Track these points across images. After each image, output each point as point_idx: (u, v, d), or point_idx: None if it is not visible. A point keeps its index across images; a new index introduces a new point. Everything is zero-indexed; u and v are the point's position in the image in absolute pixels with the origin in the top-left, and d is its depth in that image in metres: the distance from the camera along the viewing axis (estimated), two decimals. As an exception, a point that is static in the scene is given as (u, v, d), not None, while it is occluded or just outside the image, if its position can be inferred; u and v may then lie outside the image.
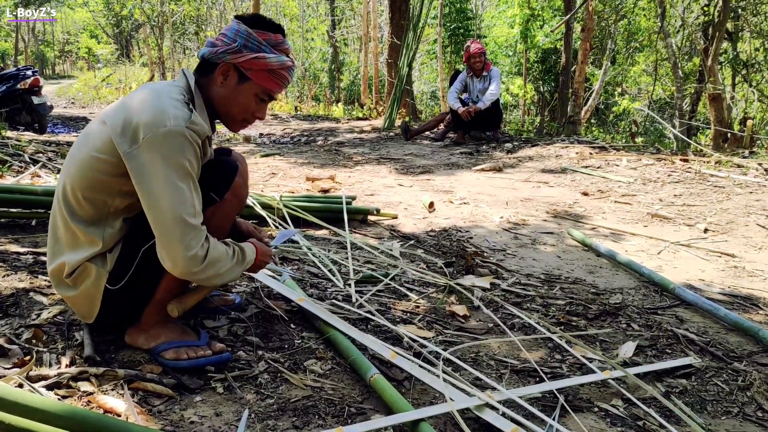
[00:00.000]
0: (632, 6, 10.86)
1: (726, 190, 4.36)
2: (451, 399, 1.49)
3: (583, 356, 1.87)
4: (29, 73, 8.27)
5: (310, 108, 13.41)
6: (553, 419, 1.50)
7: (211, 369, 1.60)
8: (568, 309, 2.29)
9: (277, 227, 2.98)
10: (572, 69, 9.08)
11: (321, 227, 3.11)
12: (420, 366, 1.66)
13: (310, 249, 2.68)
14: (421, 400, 1.58)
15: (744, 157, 5.53)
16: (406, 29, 8.94)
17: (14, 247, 2.41)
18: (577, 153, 6.04)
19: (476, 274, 2.59)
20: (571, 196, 4.42)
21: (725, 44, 9.15)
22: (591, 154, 5.97)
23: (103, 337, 1.69)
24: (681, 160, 5.46)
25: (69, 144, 5.81)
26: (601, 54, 12.10)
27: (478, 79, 7.09)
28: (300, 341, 1.83)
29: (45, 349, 1.61)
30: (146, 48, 19.87)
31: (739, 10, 9.12)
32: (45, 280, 2.06)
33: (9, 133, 6.35)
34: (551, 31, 10.43)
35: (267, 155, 6.12)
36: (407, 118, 9.29)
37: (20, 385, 1.40)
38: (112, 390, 1.46)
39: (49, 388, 1.42)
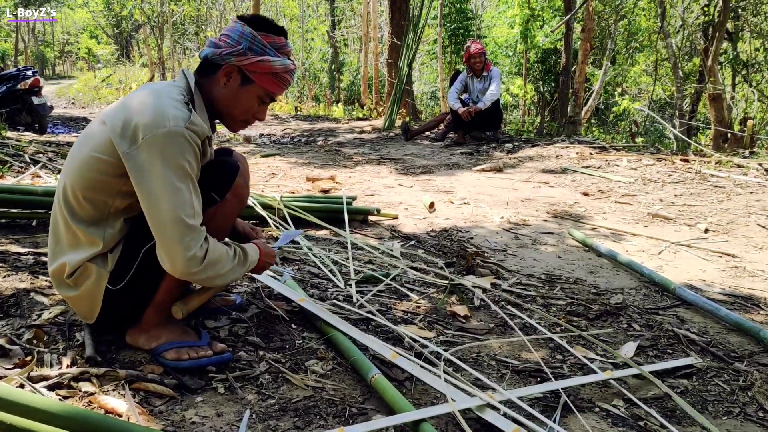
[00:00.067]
0: (632, 6, 10.86)
1: (726, 191, 4.36)
2: (452, 399, 1.49)
3: (584, 356, 1.87)
4: (29, 73, 8.27)
5: (310, 108, 13.41)
6: (554, 420, 1.50)
7: (212, 369, 1.60)
8: (569, 309, 2.29)
9: (277, 227, 2.98)
10: (572, 69, 9.08)
11: (321, 227, 3.11)
12: (421, 366, 1.66)
13: (310, 249, 2.68)
14: (422, 401, 1.58)
15: (744, 157, 5.53)
16: (406, 29, 8.94)
17: (15, 248, 2.41)
18: (577, 153, 6.04)
19: (477, 275, 2.59)
20: (572, 196, 4.42)
21: (725, 44, 9.15)
22: (591, 154, 5.97)
23: (104, 337, 1.69)
24: (681, 160, 5.46)
25: (69, 144, 5.82)
26: (601, 54, 12.10)
27: (478, 80, 7.10)
28: (301, 341, 1.83)
29: (46, 350, 1.61)
30: (146, 48, 19.87)
31: (739, 10, 9.12)
32: (46, 281, 2.06)
33: (9, 134, 6.35)
34: (551, 32, 10.42)
35: (267, 155, 6.12)
36: (407, 119, 9.29)
37: (21, 386, 1.40)
38: (114, 390, 1.46)
39: (50, 388, 1.42)
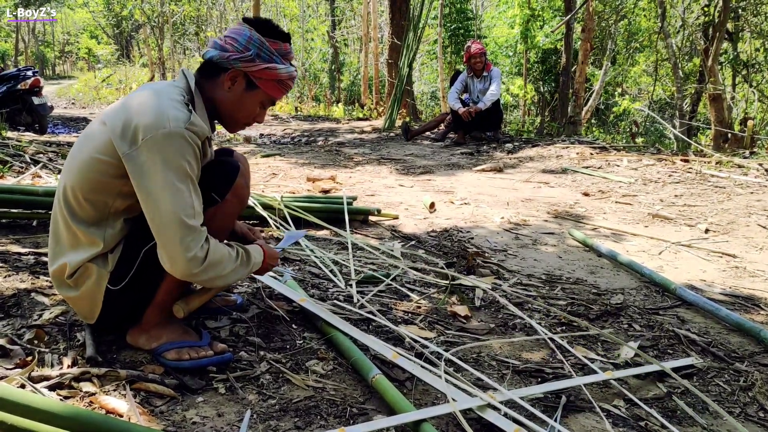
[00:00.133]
0: (632, 6, 10.86)
1: (727, 191, 4.36)
2: (453, 399, 1.49)
3: (585, 356, 1.87)
4: (30, 73, 8.27)
5: (311, 108, 13.41)
6: (555, 420, 1.50)
7: (213, 369, 1.60)
8: (569, 309, 2.29)
9: (278, 228, 2.98)
10: (572, 69, 9.08)
11: (322, 228, 3.11)
12: (422, 366, 1.66)
13: (311, 249, 2.68)
14: (423, 401, 1.58)
15: (744, 158, 5.53)
16: (406, 29, 8.94)
17: (15, 248, 2.41)
18: (577, 153, 6.04)
19: (477, 275, 2.59)
20: (572, 196, 4.42)
21: (725, 44, 9.15)
22: (592, 154, 5.97)
23: (105, 337, 1.69)
24: (681, 160, 5.46)
25: (69, 144, 5.82)
26: (602, 54, 12.10)
27: (478, 80, 7.10)
28: (302, 342, 1.83)
29: (47, 350, 1.61)
30: (146, 48, 19.87)
31: (740, 10, 9.12)
32: (46, 281, 2.06)
33: (9, 134, 6.36)
34: (551, 32, 10.42)
35: (267, 156, 6.12)
36: (408, 119, 9.29)
37: (22, 386, 1.40)
38: (114, 390, 1.46)
39: (51, 388, 1.42)
